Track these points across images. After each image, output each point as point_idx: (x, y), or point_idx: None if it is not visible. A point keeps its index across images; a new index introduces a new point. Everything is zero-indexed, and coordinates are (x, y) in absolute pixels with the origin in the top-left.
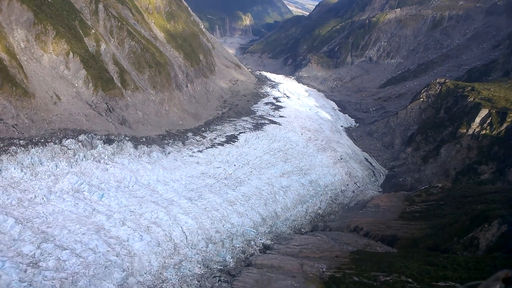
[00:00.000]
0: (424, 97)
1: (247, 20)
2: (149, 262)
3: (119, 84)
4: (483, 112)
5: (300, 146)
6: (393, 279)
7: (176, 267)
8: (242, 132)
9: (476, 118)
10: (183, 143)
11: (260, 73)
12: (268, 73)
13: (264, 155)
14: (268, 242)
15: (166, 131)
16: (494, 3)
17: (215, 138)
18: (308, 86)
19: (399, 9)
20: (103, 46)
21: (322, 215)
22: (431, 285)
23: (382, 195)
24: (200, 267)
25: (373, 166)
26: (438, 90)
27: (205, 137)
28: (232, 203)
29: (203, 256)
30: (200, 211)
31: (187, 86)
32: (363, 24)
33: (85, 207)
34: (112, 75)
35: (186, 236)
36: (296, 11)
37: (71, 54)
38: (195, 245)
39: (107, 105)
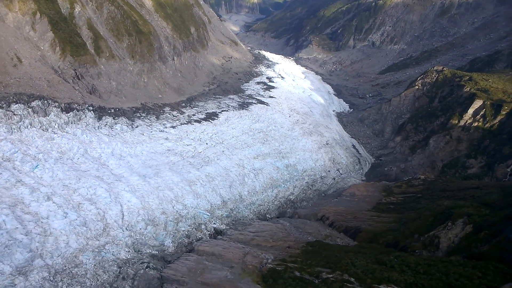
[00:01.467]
0: (420, 85)
1: None
2: (67, 243)
3: (92, 51)
4: (477, 103)
5: (284, 128)
6: (334, 277)
7: (97, 250)
8: (224, 110)
9: (469, 109)
10: (157, 118)
11: (259, 52)
12: (268, 52)
13: (242, 135)
14: (223, 226)
15: (141, 104)
16: None
17: (194, 115)
18: (306, 68)
19: None
20: (77, 9)
21: (294, 201)
22: (371, 287)
23: (359, 184)
24: (128, 251)
25: (359, 153)
26: (435, 78)
27: (184, 112)
28: (192, 183)
29: (136, 239)
30: (150, 189)
31: (173, 59)
32: (369, 6)
33: (8, 178)
34: (85, 40)
35: (123, 216)
36: None
37: (38, 15)
38: (131, 227)
39: (76, 72)
